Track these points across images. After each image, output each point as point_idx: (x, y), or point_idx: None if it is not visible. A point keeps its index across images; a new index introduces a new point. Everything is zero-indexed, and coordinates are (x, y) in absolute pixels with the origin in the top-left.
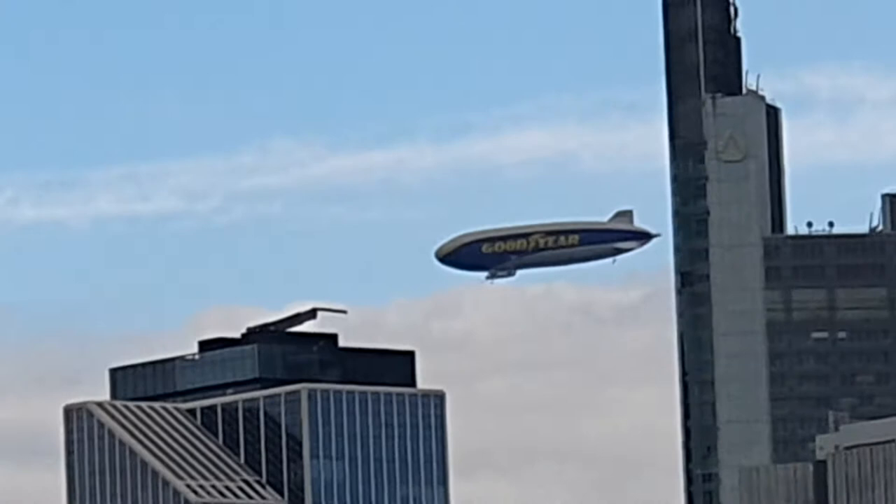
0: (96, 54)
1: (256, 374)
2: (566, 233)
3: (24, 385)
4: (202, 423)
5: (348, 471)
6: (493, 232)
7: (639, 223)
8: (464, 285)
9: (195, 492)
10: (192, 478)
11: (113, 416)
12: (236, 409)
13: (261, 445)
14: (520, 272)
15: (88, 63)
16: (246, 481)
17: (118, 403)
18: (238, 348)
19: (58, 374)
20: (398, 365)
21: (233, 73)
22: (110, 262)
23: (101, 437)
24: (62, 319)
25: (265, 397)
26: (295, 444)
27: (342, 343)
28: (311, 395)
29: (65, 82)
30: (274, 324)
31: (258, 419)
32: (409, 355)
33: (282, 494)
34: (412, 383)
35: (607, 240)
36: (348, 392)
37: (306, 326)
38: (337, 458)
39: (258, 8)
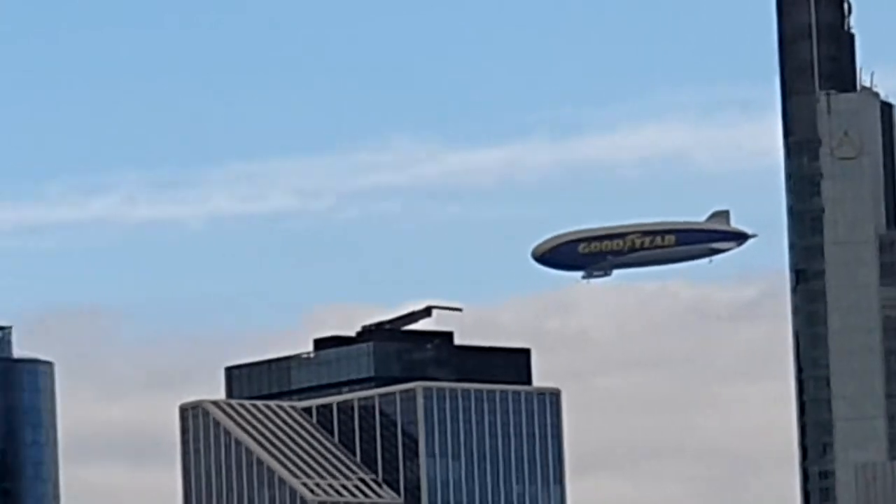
0: (214, 54)
1: (372, 373)
2: (662, 233)
3: (141, 384)
4: (318, 421)
5: (464, 469)
6: (589, 232)
7: (735, 223)
8: (579, 283)
9: (311, 490)
10: (308, 476)
11: (228, 415)
12: (352, 408)
13: (376, 444)
14: (616, 272)
15: (205, 61)
16: (362, 479)
17: (234, 402)
18: (353, 347)
19: (174, 373)
20: (514, 363)
21: (350, 71)
22: (226, 260)
23: (216, 436)
24: (178, 319)
25: (381, 395)
26: (410, 442)
27: (457, 341)
28: (427, 393)
29: (182, 81)
30: (389, 322)
31: (374, 417)
32: (525, 353)
33: (398, 493)
34: (528, 381)
35: (703, 240)
36: (463, 390)
37: (422, 324)
38: (452, 456)
39: (377, 6)
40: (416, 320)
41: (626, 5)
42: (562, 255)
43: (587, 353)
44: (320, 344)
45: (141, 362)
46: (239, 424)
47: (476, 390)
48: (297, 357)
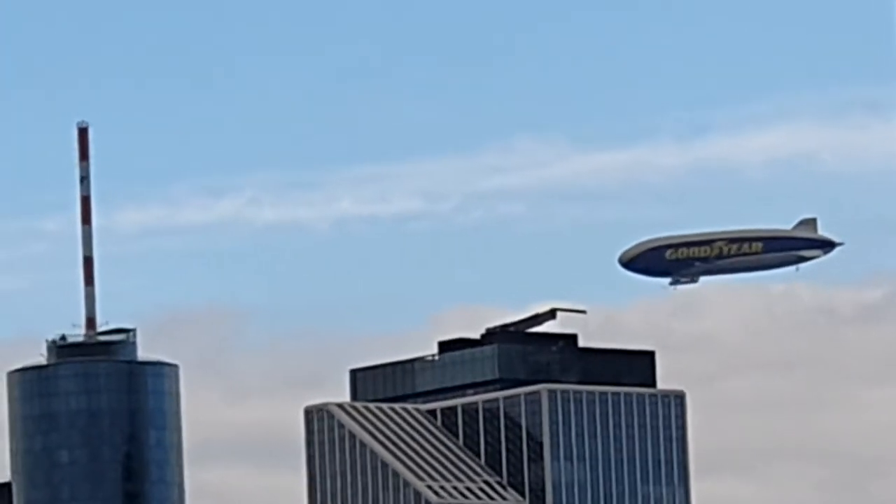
0: (338, 55)
1: (496, 375)
2: (750, 240)
3: (267, 387)
4: (442, 423)
5: (588, 471)
6: (676, 238)
7: (822, 231)
8: (706, 285)
9: (436, 493)
10: (433, 479)
11: (353, 418)
12: (476, 410)
13: (501, 446)
14: (703, 279)
15: (329, 63)
16: (486, 482)
17: (358, 405)
18: (478, 349)
19: (300, 375)
20: (638, 365)
21: (475, 73)
22: (351, 262)
23: (341, 439)
24: (303, 321)
25: (505, 398)
26: (535, 444)
27: (582, 343)
28: (551, 395)
29: (306, 83)
30: (514, 324)
31: (498, 420)
32: (649, 355)
33: (522, 495)
34: (652, 383)
35: (791, 247)
36: (588, 392)
37: (546, 327)
38: (577, 459)
39: (503, 8)
40: (540, 322)
41: (752, 6)
42: (649, 260)
43: (712, 355)
44: (445, 346)
45: (267, 365)
46: (364, 427)
47: (600, 392)
48: (421, 359)
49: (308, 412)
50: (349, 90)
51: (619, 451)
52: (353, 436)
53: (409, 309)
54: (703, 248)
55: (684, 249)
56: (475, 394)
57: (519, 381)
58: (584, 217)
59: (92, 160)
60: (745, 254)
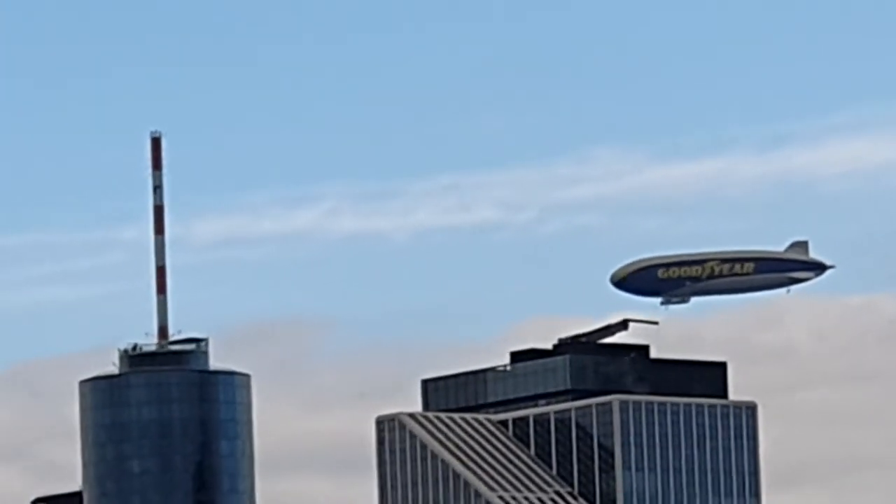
0: (417, 67)
1: (568, 386)
2: (742, 261)
3: (340, 397)
4: (514, 434)
5: (660, 481)
6: (668, 258)
7: (814, 254)
8: (783, 297)
9: (507, 503)
10: (505, 489)
11: (425, 427)
12: (548, 421)
13: (572, 457)
14: (693, 299)
15: (408, 75)
16: (558, 493)
17: (430, 414)
18: (550, 359)
19: (373, 386)
20: (710, 376)
21: (554, 84)
22: (429, 273)
23: (412, 448)
24: (380, 331)
25: (577, 408)
26: (607, 455)
27: (654, 354)
28: (623, 406)
29: (387, 94)
30: (586, 335)
31: (570, 430)
32: (721, 366)
33: None
34: (724, 394)
35: (782, 269)
36: (660, 403)
37: (618, 337)
38: (648, 469)
39: (580, 20)
40: (612, 333)
41: (830, 15)
42: (640, 280)
43: (786, 367)
44: (517, 356)
45: (341, 375)
46: (435, 437)
47: (672, 403)
48: (493, 370)
49: (380, 422)
50: (428, 102)
51: (690, 462)
52: (424, 446)
53: (485, 319)
54: (695, 268)
55: (676, 269)
56: (547, 404)
57: (591, 391)
58: (661, 229)
59: (165, 170)
60: (736, 274)
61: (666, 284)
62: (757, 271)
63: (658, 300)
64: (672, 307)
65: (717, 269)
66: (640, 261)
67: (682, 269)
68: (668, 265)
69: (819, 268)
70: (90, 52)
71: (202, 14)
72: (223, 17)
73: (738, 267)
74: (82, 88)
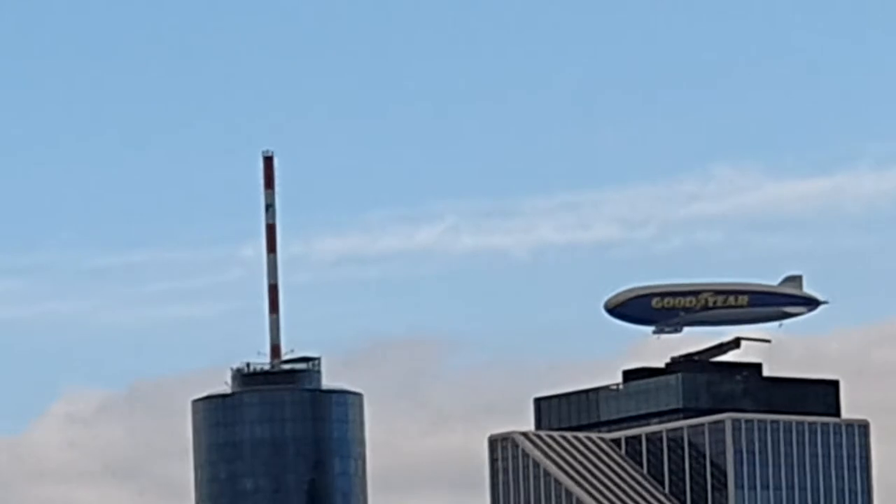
0: (535, 86)
1: (680, 404)
2: (736, 293)
3: (454, 416)
4: (626, 452)
5: (772, 500)
6: (663, 287)
7: (807, 289)
8: None
9: None
10: None
11: (537, 446)
12: (660, 439)
13: (685, 475)
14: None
15: (526, 94)
16: None
17: (542, 433)
18: (662, 378)
19: (486, 404)
20: (822, 394)
21: (672, 102)
22: (549, 290)
23: (525, 467)
24: (497, 349)
25: (689, 427)
26: (719, 473)
27: (766, 372)
28: (735, 424)
29: (505, 113)
30: (698, 353)
31: (682, 449)
32: (834, 385)
33: None
34: (836, 413)
35: (776, 303)
36: (772, 421)
37: (730, 356)
38: (761, 487)
39: (696, 39)
40: (724, 352)
41: None
42: (634, 308)
43: None
44: (629, 375)
45: (455, 394)
46: (548, 456)
47: (784, 421)
48: (605, 388)
49: (493, 441)
50: (548, 119)
51: (802, 479)
52: (537, 464)
53: (602, 337)
54: (689, 299)
55: (670, 299)
56: (659, 423)
57: (703, 410)
58: (781, 245)
59: (278, 188)
60: (730, 306)
61: (659, 314)
62: (751, 304)
63: (651, 329)
64: (664, 336)
65: (710, 301)
66: (635, 289)
67: (676, 299)
68: (662, 294)
69: (812, 303)
70: (203, 73)
71: (315, 35)
72: (336, 37)
73: (731, 299)
74: (194, 109)
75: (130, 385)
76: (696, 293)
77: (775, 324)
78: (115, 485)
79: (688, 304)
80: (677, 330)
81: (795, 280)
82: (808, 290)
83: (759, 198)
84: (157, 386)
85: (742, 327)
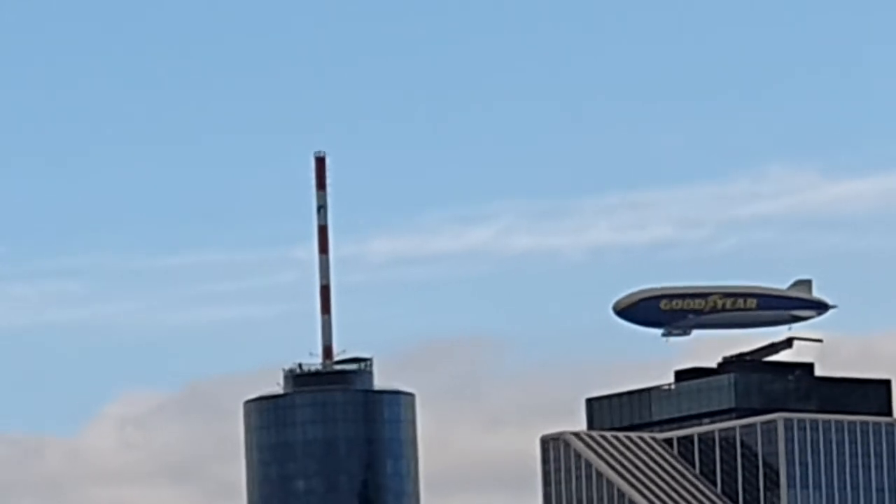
0: (589, 85)
1: (732, 404)
2: (745, 296)
3: (507, 416)
4: (678, 452)
5: (825, 499)
6: (672, 289)
7: (817, 293)
8: None
9: None
10: None
11: (589, 446)
12: (713, 439)
13: (737, 475)
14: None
15: (581, 93)
16: None
17: (594, 433)
18: (714, 378)
19: (539, 404)
20: (874, 393)
21: (727, 101)
22: (605, 291)
23: (577, 468)
24: (550, 349)
25: (741, 427)
26: (772, 473)
27: (818, 372)
28: (788, 424)
29: (558, 112)
30: (750, 353)
31: (734, 449)
32: (886, 384)
33: None
34: (889, 412)
35: (785, 306)
36: (824, 421)
37: (782, 355)
38: (813, 487)
39: (754, 39)
40: (776, 351)
41: None
42: (643, 311)
43: None
44: (681, 375)
45: (507, 394)
46: (600, 455)
47: (836, 421)
48: (657, 388)
49: (545, 441)
50: (602, 120)
51: (854, 479)
52: (589, 464)
53: (651, 337)
54: (698, 301)
55: (679, 301)
56: (711, 423)
57: (755, 409)
58: (838, 245)
59: (329, 189)
60: (739, 309)
61: (668, 316)
62: (760, 307)
63: (660, 332)
64: (673, 339)
65: (719, 304)
66: (644, 291)
67: (685, 301)
68: (671, 297)
69: (821, 307)
70: (255, 75)
71: (366, 35)
72: (389, 37)
73: (741, 302)
74: (248, 110)
75: (184, 386)
76: (704, 296)
77: (788, 326)
78: (170, 486)
79: (696, 307)
80: (686, 333)
81: (805, 284)
82: (817, 294)
83: (813, 197)
84: (210, 387)
85: (784, 329)
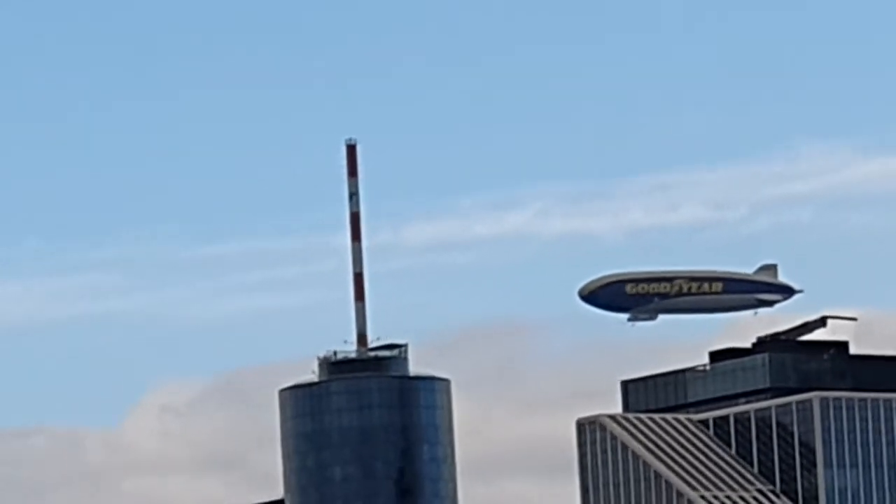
0: (626, 66)
1: (767, 384)
2: (711, 280)
3: (543, 400)
4: (714, 433)
5: (862, 478)
6: (637, 274)
7: (783, 277)
8: None
9: (709, 502)
10: (706, 489)
11: (625, 429)
12: (748, 419)
13: (774, 455)
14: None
15: (615, 74)
16: (760, 491)
17: (630, 416)
18: (748, 358)
19: (579, 387)
20: None
21: (761, 81)
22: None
23: (613, 450)
24: (587, 333)
25: (777, 406)
26: (808, 452)
27: (853, 350)
28: (823, 403)
29: (593, 94)
30: (784, 333)
31: (770, 428)
32: None
33: (795, 503)
34: None
35: (750, 290)
36: (860, 399)
37: (817, 334)
38: (850, 466)
39: (787, 20)
40: (811, 330)
41: None
42: (608, 295)
43: None
44: (716, 356)
45: (543, 378)
46: (636, 438)
47: (872, 399)
48: (692, 369)
49: (580, 424)
50: (635, 102)
51: (891, 457)
52: (625, 447)
53: (691, 319)
54: (663, 285)
55: (645, 285)
56: (747, 403)
57: (790, 389)
58: (872, 223)
59: (361, 176)
60: (704, 293)
61: (634, 300)
62: (725, 291)
63: (626, 316)
64: (639, 324)
65: (685, 287)
66: (609, 276)
67: (651, 285)
68: (636, 281)
69: (787, 291)
70: (285, 62)
71: (396, 20)
72: (419, 22)
73: (707, 286)
74: (278, 98)
75: (219, 375)
76: (670, 279)
77: (754, 311)
78: (208, 475)
79: (662, 291)
80: (652, 318)
81: (770, 268)
82: (783, 278)
83: (848, 176)
84: (245, 376)
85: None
